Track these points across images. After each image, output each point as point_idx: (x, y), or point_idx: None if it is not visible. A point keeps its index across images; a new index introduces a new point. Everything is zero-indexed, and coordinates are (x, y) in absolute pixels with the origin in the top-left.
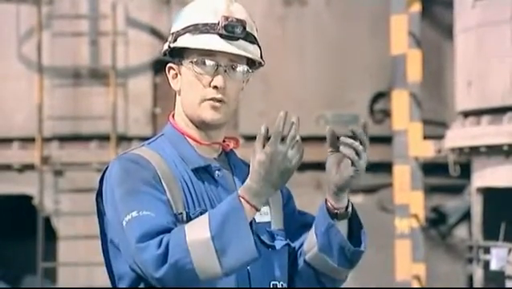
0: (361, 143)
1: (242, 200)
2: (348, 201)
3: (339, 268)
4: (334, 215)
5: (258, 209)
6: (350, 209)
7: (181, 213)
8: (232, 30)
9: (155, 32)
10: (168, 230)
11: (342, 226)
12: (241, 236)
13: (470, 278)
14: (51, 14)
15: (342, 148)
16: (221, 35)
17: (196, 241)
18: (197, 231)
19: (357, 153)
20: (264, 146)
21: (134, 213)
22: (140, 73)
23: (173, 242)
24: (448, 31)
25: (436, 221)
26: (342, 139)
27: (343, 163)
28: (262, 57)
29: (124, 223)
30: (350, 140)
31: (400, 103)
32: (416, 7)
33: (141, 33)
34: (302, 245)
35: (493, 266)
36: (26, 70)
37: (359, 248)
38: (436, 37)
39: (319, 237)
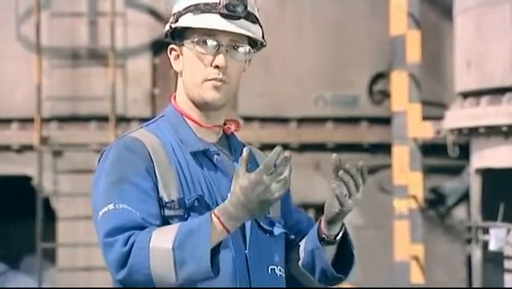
0: (356, 183)
1: (216, 220)
2: (340, 229)
3: (319, 284)
4: (322, 239)
5: (229, 232)
6: (339, 237)
7: (173, 201)
8: (233, 9)
9: (154, 13)
10: (140, 227)
11: (329, 250)
12: (198, 255)
13: (469, 259)
14: None
15: (335, 185)
16: (222, 15)
17: (158, 248)
18: (163, 239)
19: (349, 193)
20: (247, 169)
21: (110, 206)
22: (139, 54)
23: (137, 245)
24: (447, 12)
25: (435, 201)
26: (340, 174)
27: (333, 198)
28: (263, 37)
29: (100, 214)
30: (347, 178)
31: (399, 84)
32: None
33: (140, 14)
34: (297, 245)
35: (492, 247)
36: (24, 50)
37: (341, 275)
38: (436, 17)
39: (305, 254)
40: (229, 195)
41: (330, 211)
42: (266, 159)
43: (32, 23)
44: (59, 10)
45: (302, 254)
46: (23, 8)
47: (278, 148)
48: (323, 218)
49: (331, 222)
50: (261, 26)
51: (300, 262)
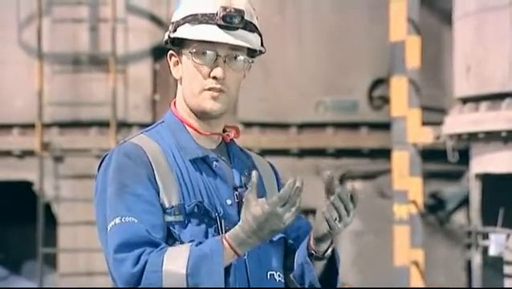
0: (346, 206)
1: (227, 245)
2: (329, 247)
3: None
4: (310, 254)
5: (239, 257)
6: (328, 253)
7: (173, 207)
8: (230, 20)
9: (154, 19)
10: (147, 242)
11: (318, 265)
12: (213, 280)
13: (469, 264)
14: (51, 1)
15: (325, 209)
16: (219, 26)
17: (171, 273)
18: (175, 263)
19: (340, 217)
20: (257, 195)
21: (117, 220)
22: (140, 60)
23: (149, 267)
24: (446, 17)
25: (435, 207)
26: (332, 200)
27: (323, 220)
28: (262, 44)
29: (109, 228)
30: (339, 204)
31: (398, 89)
32: None
33: (141, 20)
34: (293, 254)
35: (492, 252)
36: (26, 56)
37: None
38: (435, 23)
39: (296, 267)
40: (240, 221)
41: (318, 231)
42: (280, 191)
43: (33, 29)
44: (61, 16)
45: (294, 266)
46: (25, 14)
47: (292, 181)
48: (311, 235)
49: (319, 241)
50: (259, 34)
51: (292, 274)
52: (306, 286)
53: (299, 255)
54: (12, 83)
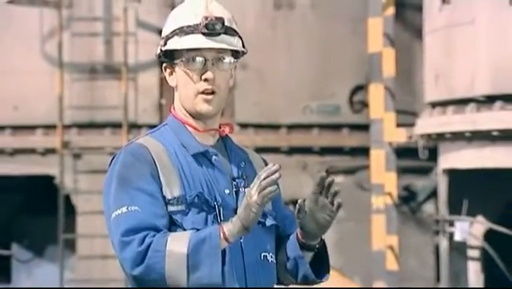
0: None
1: (222, 235)
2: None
3: (300, 284)
4: (303, 246)
5: (230, 243)
6: (318, 245)
7: (175, 198)
8: (213, 27)
9: (161, 33)
10: (152, 227)
11: (308, 254)
12: (211, 259)
13: (437, 248)
14: (71, 17)
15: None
16: (204, 34)
17: (174, 252)
18: (178, 244)
19: (332, 213)
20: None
21: (124, 209)
22: (149, 69)
23: (154, 246)
24: (418, 32)
25: (408, 198)
26: (324, 203)
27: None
28: (244, 46)
29: (114, 216)
30: (332, 209)
31: (376, 95)
32: (391, 11)
33: (149, 33)
34: (283, 249)
35: (457, 238)
36: (48, 66)
37: (319, 279)
38: (408, 37)
39: (288, 262)
40: (235, 217)
41: (309, 228)
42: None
43: (55, 42)
44: (79, 31)
45: (286, 259)
46: (47, 29)
47: (270, 165)
48: (299, 234)
49: (312, 237)
50: (240, 37)
51: (286, 269)
52: (299, 277)
53: (290, 249)
54: (36, 90)
